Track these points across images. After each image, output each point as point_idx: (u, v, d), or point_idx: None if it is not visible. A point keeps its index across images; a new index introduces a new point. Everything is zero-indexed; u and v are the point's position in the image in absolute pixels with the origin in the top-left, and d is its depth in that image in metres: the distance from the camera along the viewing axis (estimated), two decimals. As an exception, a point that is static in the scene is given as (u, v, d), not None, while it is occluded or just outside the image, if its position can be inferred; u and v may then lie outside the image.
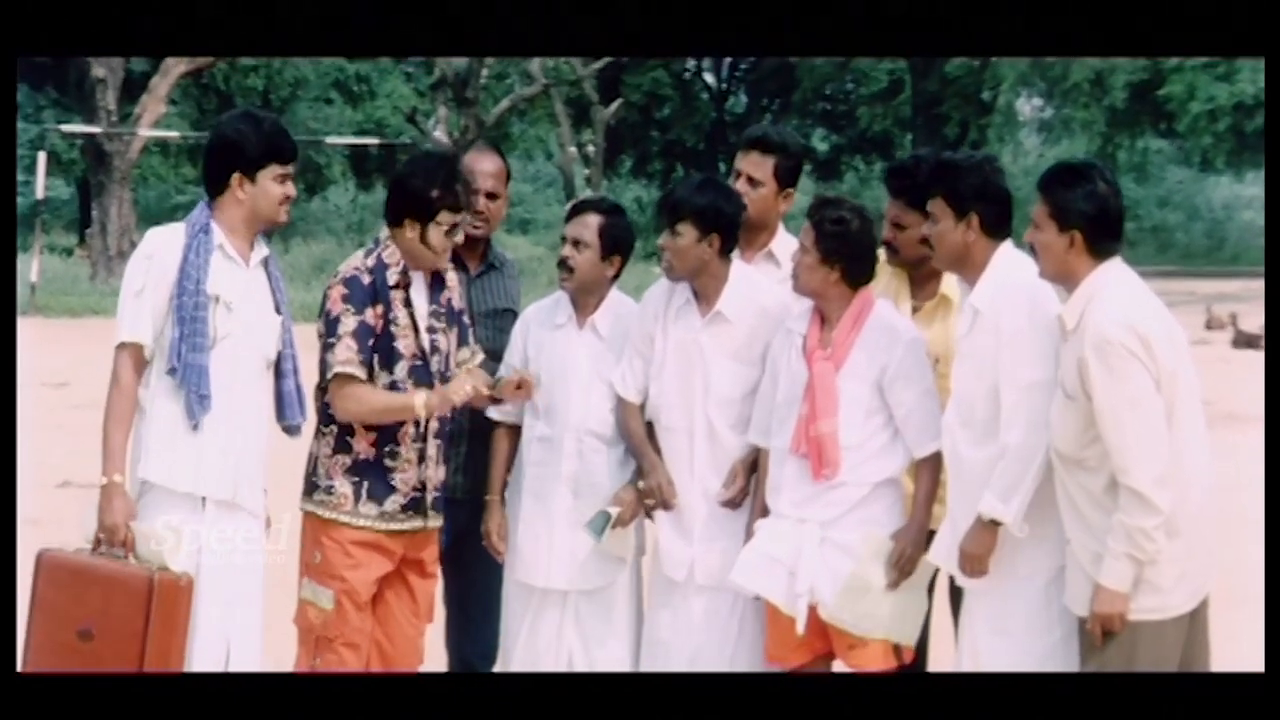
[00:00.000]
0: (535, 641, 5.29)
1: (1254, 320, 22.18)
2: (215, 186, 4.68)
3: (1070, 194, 4.33)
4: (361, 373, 4.90)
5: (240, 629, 4.71)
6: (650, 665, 5.16)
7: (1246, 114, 37.26)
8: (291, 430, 4.91)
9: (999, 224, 4.64)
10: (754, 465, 5.12)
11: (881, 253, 5.13)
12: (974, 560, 4.56)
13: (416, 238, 4.99)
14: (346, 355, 4.88)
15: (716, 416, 5.11)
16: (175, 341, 4.59)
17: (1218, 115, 37.70)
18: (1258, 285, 30.46)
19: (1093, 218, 4.32)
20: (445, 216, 4.97)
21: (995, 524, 4.50)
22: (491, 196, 5.58)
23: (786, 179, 5.38)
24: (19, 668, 4.52)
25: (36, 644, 4.51)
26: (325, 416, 5.03)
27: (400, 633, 5.13)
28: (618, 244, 5.23)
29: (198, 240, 4.61)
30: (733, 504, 5.13)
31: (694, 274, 5.07)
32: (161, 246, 4.65)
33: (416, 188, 4.98)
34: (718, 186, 5.12)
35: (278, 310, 4.85)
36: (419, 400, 4.90)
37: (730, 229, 5.07)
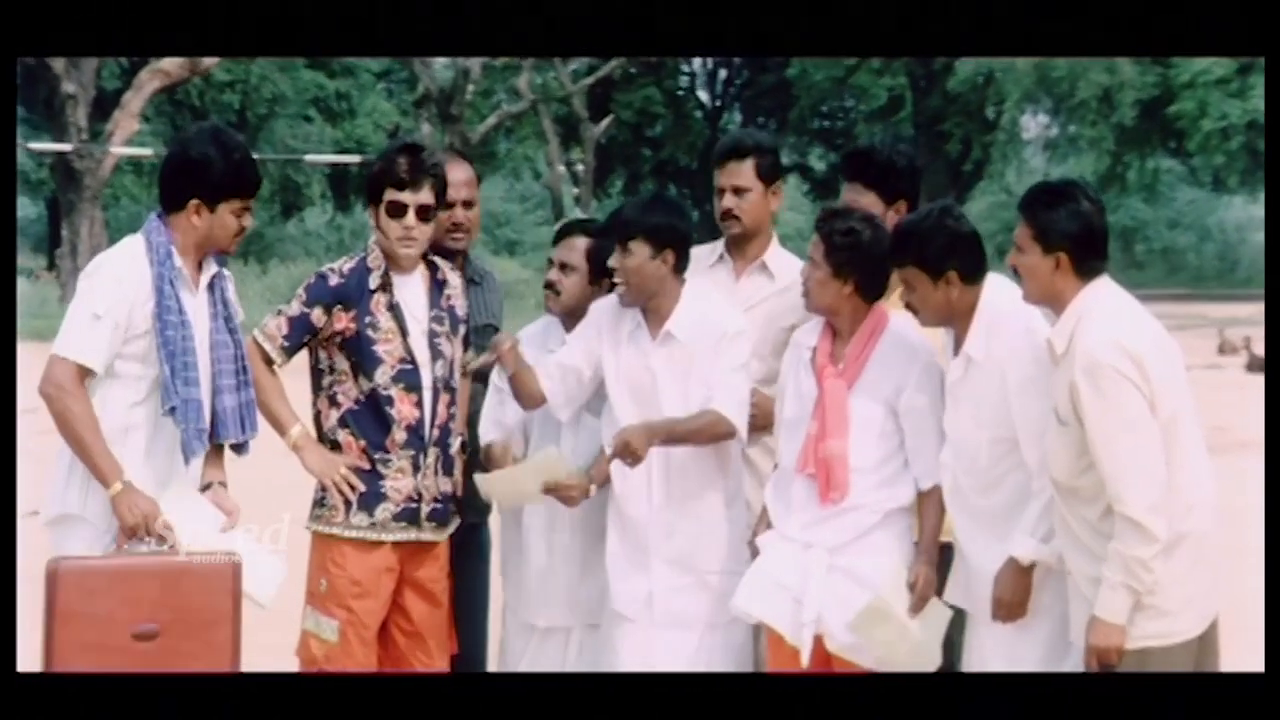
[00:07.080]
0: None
1: (1273, 345, 21.43)
2: (171, 204, 4.67)
3: (1054, 214, 4.30)
4: (274, 353, 4.98)
5: None
6: None
7: (1260, 132, 37.29)
8: (239, 449, 4.82)
9: (976, 269, 4.60)
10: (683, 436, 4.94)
11: None
12: (1012, 608, 4.52)
13: (375, 224, 5.03)
14: (273, 330, 4.99)
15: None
16: (168, 379, 4.55)
17: (1230, 133, 38.24)
18: (1279, 310, 30.19)
19: (1078, 237, 4.29)
20: (391, 193, 4.97)
21: (1030, 566, 4.48)
22: (468, 205, 5.45)
23: (770, 175, 5.36)
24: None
25: (64, 656, 4.38)
26: (318, 426, 5.05)
27: (408, 667, 5.04)
28: (607, 267, 5.09)
29: (167, 269, 4.58)
30: None
31: (649, 295, 4.99)
32: (130, 273, 4.58)
33: (371, 172, 5.04)
34: (667, 203, 5.16)
35: (230, 330, 4.79)
36: (295, 430, 4.96)
37: (682, 245, 5.02)
